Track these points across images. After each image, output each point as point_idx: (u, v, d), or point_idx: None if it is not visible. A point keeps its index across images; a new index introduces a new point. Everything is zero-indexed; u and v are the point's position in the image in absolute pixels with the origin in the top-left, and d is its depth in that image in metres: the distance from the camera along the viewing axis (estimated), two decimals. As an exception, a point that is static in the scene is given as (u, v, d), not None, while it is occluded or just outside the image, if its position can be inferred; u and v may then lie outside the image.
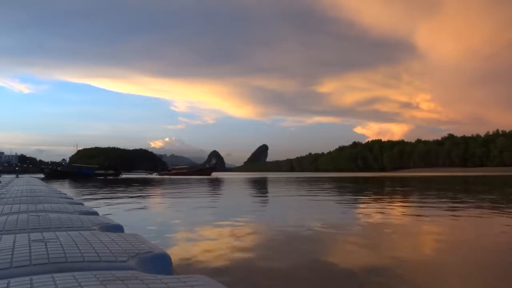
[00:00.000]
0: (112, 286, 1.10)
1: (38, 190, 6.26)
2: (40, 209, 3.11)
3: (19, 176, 36.28)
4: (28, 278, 1.18)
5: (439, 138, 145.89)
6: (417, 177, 38.56)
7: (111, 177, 43.77)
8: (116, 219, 2.76)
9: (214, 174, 55.17)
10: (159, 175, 57.15)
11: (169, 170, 63.42)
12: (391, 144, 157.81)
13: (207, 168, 60.37)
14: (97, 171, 54.38)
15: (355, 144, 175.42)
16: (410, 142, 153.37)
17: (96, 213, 3.08)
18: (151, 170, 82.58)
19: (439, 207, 8.04)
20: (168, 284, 1.14)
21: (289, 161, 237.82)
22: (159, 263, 1.51)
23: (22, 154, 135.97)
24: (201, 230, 5.15)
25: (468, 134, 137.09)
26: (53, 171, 52.02)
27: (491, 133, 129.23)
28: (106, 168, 58.43)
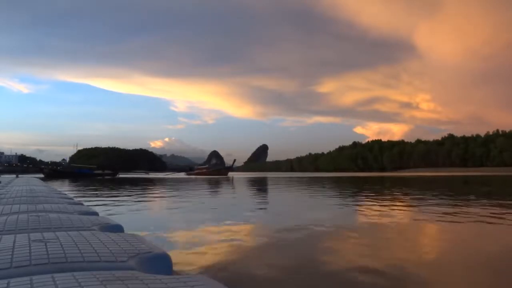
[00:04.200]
0: (112, 286, 1.10)
1: (38, 190, 6.26)
2: (40, 209, 3.12)
3: (19, 176, 36.26)
4: (28, 278, 1.18)
5: (439, 138, 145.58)
6: (417, 177, 38.55)
7: (109, 177, 43.88)
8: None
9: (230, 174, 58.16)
10: (187, 175, 60.02)
11: (193, 171, 67.07)
12: (391, 144, 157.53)
13: (225, 168, 63.30)
14: (96, 171, 54.58)
15: (355, 144, 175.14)
16: (410, 142, 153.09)
17: (96, 213, 3.08)
18: (149, 170, 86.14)
19: (437, 206, 8.04)
20: (168, 284, 1.14)
21: (289, 161, 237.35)
22: (159, 263, 1.51)
23: (22, 154, 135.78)
24: (206, 229, 5.15)
25: (468, 134, 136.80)
26: (52, 171, 52.06)
27: (491, 133, 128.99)
28: (104, 168, 58.87)
